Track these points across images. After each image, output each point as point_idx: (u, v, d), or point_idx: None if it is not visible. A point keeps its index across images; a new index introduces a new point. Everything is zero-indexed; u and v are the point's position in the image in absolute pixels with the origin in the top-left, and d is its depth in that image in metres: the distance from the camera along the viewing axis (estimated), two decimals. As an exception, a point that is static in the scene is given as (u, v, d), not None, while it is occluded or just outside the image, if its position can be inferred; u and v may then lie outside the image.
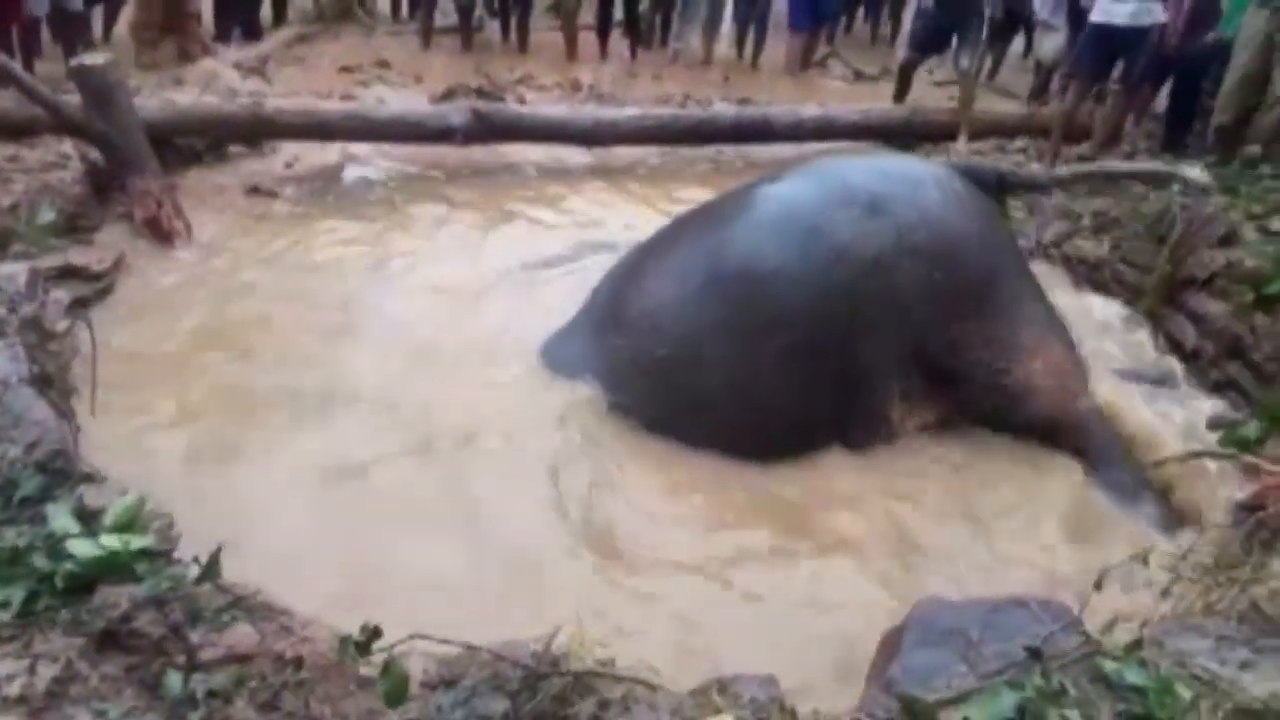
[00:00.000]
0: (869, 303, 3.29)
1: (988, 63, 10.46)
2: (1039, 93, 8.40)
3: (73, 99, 4.81)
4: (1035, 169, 6.21)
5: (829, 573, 2.87)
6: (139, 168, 4.81)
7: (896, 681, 1.84)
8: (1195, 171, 5.02)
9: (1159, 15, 6.02)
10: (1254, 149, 5.64)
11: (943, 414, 3.47)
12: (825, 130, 7.06)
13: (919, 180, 3.55)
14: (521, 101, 7.36)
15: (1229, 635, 2.08)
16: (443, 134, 6.12)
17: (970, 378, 3.41)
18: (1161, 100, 7.16)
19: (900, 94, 7.77)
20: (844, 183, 3.50)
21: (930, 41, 7.59)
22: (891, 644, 1.99)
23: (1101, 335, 4.53)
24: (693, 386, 3.34)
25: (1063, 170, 5.88)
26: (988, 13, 7.21)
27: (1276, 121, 5.66)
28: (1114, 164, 5.83)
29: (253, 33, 9.28)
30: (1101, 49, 6.26)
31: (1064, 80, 7.38)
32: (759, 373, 3.27)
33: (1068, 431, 3.43)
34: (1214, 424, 3.65)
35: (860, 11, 11.98)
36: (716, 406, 3.32)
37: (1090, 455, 3.40)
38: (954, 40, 7.32)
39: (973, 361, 3.39)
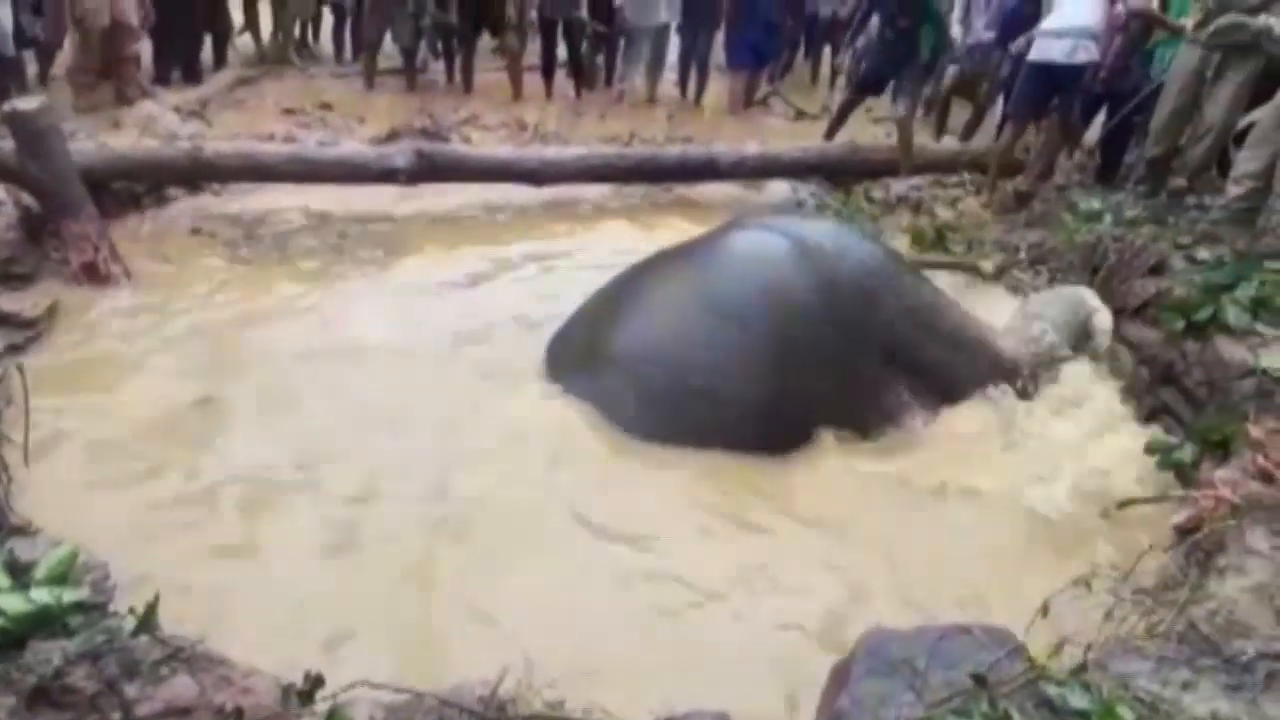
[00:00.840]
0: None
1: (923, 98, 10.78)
2: (972, 128, 8.61)
3: (6, 144, 4.73)
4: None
5: (778, 604, 2.86)
6: (74, 212, 4.73)
7: (846, 712, 1.85)
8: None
9: (1094, 52, 6.23)
10: (1179, 181, 5.83)
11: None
12: (768, 168, 7.17)
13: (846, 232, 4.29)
14: (467, 141, 7.38)
15: (1170, 656, 2.12)
16: (387, 175, 6.10)
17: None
18: (1093, 134, 7.39)
19: (831, 132, 7.91)
20: (802, 232, 3.95)
21: (871, 83, 7.77)
22: (841, 674, 2.00)
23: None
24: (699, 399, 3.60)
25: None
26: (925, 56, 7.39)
27: (1202, 154, 5.86)
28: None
29: (193, 76, 9.20)
30: (1040, 86, 6.45)
31: (1004, 118, 7.56)
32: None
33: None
34: (1150, 448, 3.74)
35: (801, 52, 12.23)
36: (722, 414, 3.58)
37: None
38: (892, 82, 7.53)
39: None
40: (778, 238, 3.88)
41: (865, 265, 3.89)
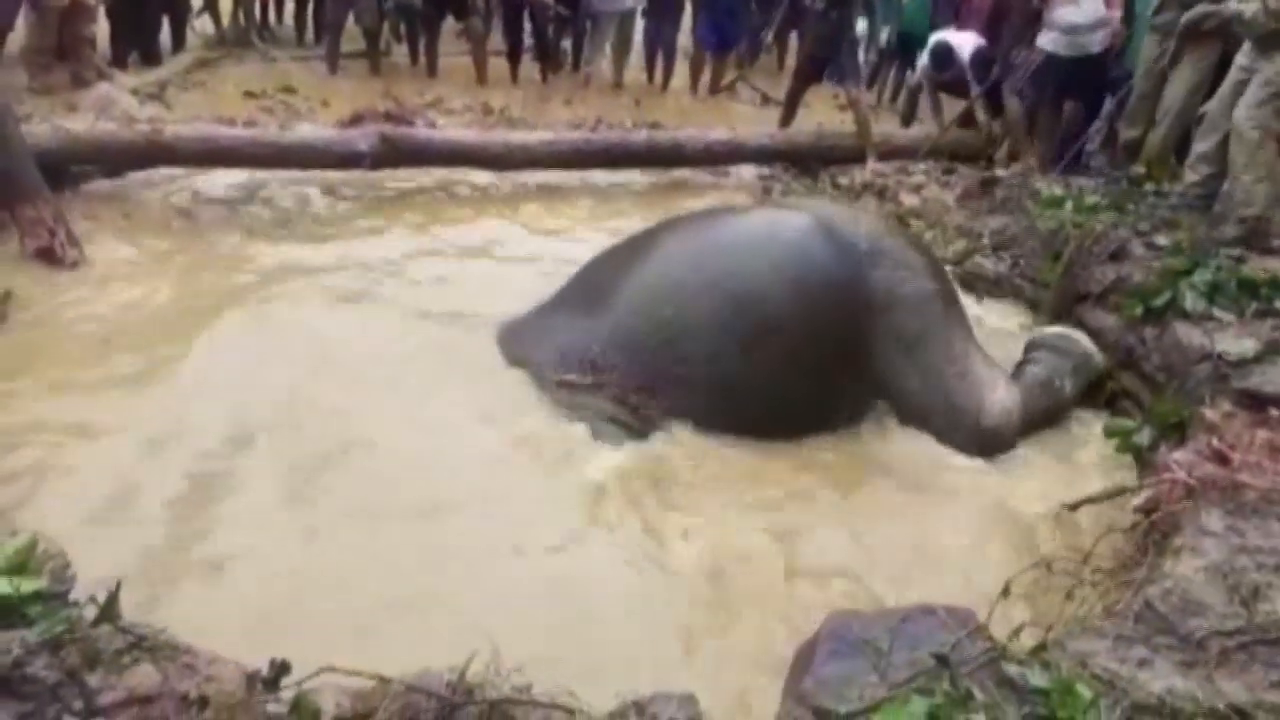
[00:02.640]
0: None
1: (889, 87, 10.83)
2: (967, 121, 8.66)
3: (-43, 126, 4.62)
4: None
5: (742, 588, 2.88)
6: (29, 196, 4.63)
7: (811, 694, 1.87)
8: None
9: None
10: (1138, 169, 5.92)
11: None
12: (734, 154, 7.19)
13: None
14: (432, 125, 7.31)
15: (1126, 635, 2.16)
16: (350, 159, 6.04)
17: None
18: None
19: (785, 120, 7.94)
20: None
21: (807, 71, 7.83)
22: (805, 657, 2.02)
23: (1000, 348, 4.68)
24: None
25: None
26: (866, 38, 7.48)
27: (1160, 141, 5.96)
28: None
29: (151, 58, 9.04)
30: (1062, 77, 6.60)
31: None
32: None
33: None
34: (1109, 432, 3.80)
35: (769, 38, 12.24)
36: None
37: None
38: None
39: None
40: (804, 223, 3.77)
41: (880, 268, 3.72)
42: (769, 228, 3.85)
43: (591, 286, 3.99)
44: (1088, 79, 6.62)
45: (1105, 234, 4.62)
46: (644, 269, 3.84)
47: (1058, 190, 5.75)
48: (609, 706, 1.90)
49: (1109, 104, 6.91)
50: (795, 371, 3.58)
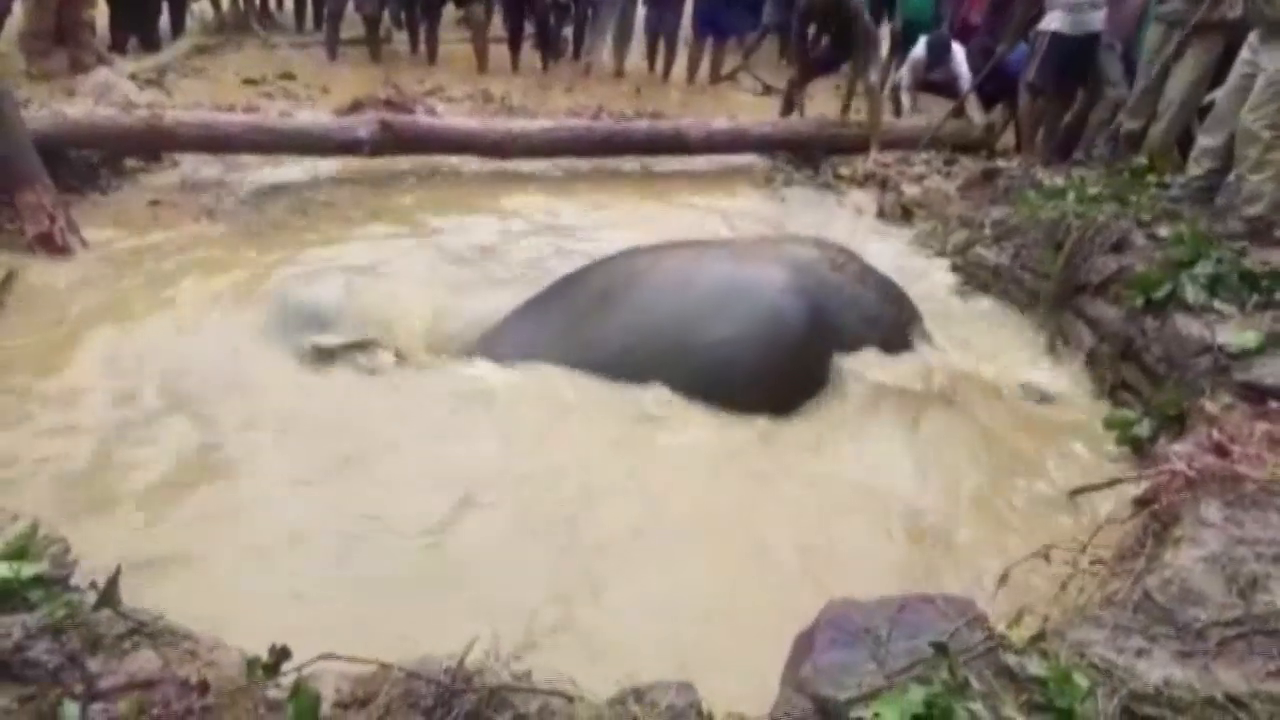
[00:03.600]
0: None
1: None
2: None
3: (-44, 111, 4.61)
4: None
5: (741, 574, 2.89)
6: (29, 182, 4.63)
7: (809, 682, 1.87)
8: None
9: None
10: (1140, 160, 5.90)
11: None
12: (736, 142, 7.17)
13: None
14: (431, 113, 7.30)
15: (1125, 625, 2.16)
16: (350, 146, 6.04)
17: None
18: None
19: (786, 110, 7.91)
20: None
21: (817, 66, 7.78)
22: (803, 645, 2.02)
23: (999, 340, 4.69)
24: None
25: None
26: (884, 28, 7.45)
27: (1163, 132, 5.94)
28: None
29: (150, 43, 9.01)
30: (1064, 58, 6.58)
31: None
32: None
33: None
34: (1110, 423, 3.80)
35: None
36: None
37: None
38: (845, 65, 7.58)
39: None
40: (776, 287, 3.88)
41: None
42: (741, 290, 3.89)
43: (567, 310, 4.04)
44: (1092, 57, 6.60)
45: (1107, 225, 4.60)
46: (620, 309, 3.92)
47: (1059, 181, 5.73)
48: (608, 694, 1.91)
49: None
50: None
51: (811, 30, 7.45)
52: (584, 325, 3.91)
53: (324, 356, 3.80)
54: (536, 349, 3.86)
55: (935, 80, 7.98)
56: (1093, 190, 5.31)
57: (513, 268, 4.97)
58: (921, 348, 4.16)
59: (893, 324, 4.09)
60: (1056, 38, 6.54)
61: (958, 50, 7.70)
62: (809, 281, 3.90)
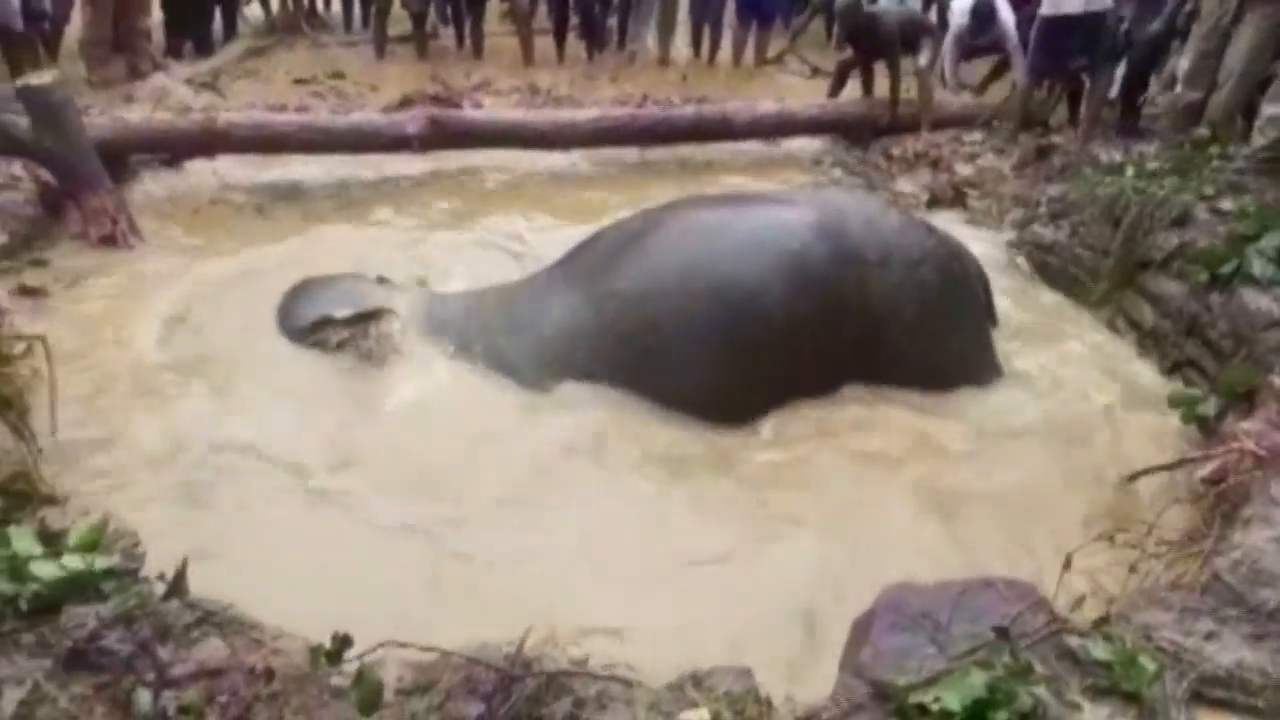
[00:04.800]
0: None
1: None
2: (993, 77, 8.46)
3: (21, 120, 4.74)
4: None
5: (799, 562, 2.88)
6: (92, 186, 4.76)
7: (868, 666, 1.86)
8: None
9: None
10: (1202, 131, 5.74)
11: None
12: (784, 126, 7.12)
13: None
14: (478, 107, 7.34)
15: (1193, 607, 2.12)
16: (399, 143, 6.10)
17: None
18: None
19: (834, 91, 7.81)
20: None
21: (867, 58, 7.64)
22: (862, 630, 2.01)
23: (1059, 320, 4.61)
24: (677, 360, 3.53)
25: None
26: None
27: (1225, 102, 5.77)
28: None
29: (204, 47, 9.18)
30: (1055, 41, 6.36)
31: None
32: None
33: None
34: (1174, 401, 3.71)
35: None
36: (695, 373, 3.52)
37: None
38: None
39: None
40: (800, 216, 3.70)
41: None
42: (769, 233, 3.65)
43: (584, 268, 3.85)
44: (1097, 35, 6.35)
45: (1167, 199, 4.49)
46: (640, 260, 3.70)
47: (1117, 155, 5.60)
48: (666, 679, 1.91)
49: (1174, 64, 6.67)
50: (785, 368, 3.55)
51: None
52: (595, 282, 3.72)
53: (336, 330, 3.83)
54: (549, 313, 3.73)
55: (982, 45, 7.81)
56: (1152, 165, 5.18)
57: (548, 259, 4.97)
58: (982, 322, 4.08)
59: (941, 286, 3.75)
60: (1053, 21, 6.30)
61: (1003, 8, 7.46)
62: (835, 230, 3.63)
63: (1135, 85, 6.75)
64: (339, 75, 8.83)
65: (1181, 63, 6.17)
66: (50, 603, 1.89)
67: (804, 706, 1.82)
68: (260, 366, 3.80)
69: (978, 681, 1.73)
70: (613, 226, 4.04)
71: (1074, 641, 1.92)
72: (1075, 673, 1.85)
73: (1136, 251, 4.45)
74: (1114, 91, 6.76)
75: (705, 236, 3.69)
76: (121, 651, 1.80)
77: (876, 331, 3.62)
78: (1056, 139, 6.58)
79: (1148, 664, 1.85)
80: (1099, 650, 1.88)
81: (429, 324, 3.88)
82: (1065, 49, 6.43)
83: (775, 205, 3.88)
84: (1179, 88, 6.18)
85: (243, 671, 1.80)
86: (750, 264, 3.52)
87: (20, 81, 4.72)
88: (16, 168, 4.90)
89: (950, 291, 3.80)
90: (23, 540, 2.07)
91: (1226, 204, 4.46)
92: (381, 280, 4.16)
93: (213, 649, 1.86)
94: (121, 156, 5.48)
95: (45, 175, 4.88)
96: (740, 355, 3.49)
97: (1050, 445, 3.55)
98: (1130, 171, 5.09)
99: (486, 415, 3.53)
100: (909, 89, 7.47)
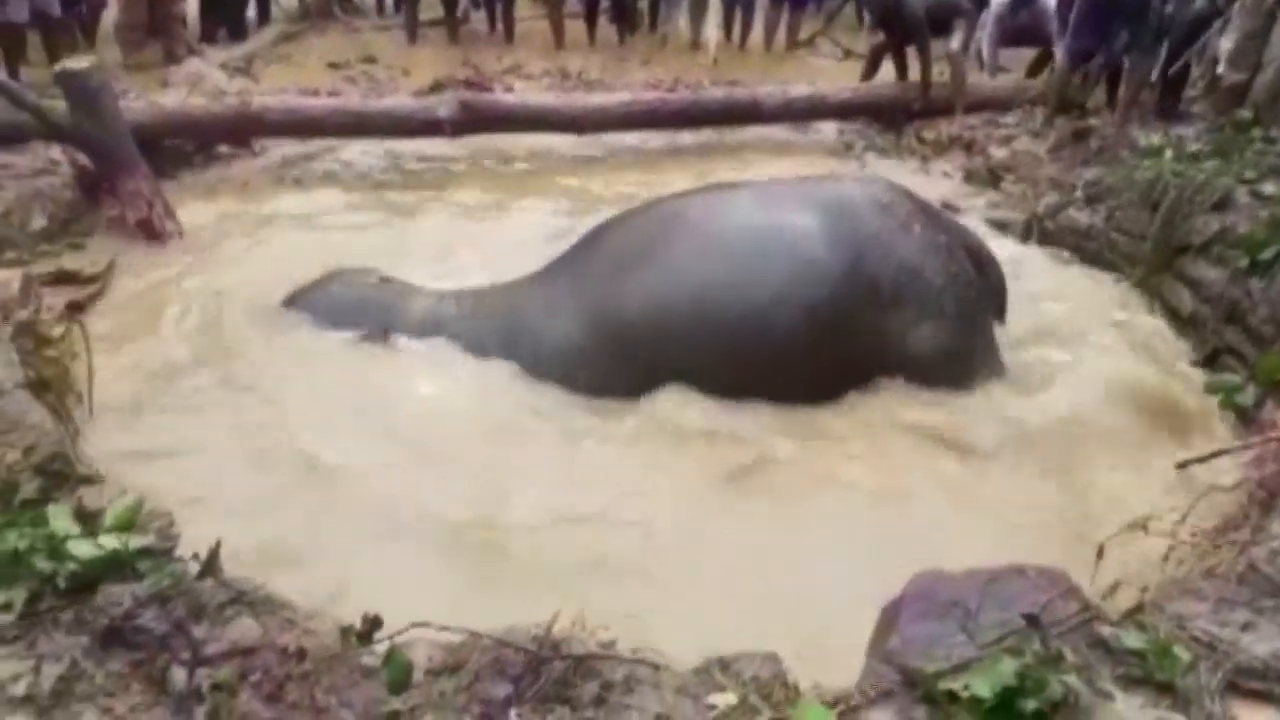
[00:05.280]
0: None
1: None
2: (1038, 67, 8.33)
3: (59, 104, 4.80)
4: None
5: (825, 547, 2.87)
6: (128, 170, 4.81)
7: (897, 653, 1.85)
8: None
9: None
10: (1244, 113, 5.63)
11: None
12: (815, 109, 7.07)
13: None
14: (510, 91, 7.35)
15: (1229, 597, 2.08)
16: (431, 126, 6.12)
17: None
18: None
19: (868, 75, 7.73)
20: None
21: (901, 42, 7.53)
22: (890, 616, 2.00)
23: (1095, 305, 4.54)
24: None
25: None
26: None
27: (1270, 84, 5.65)
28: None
29: (238, 32, 9.25)
30: (1095, 22, 6.26)
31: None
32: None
33: None
34: (1212, 388, 3.66)
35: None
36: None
37: None
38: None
39: None
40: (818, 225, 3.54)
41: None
42: (781, 245, 3.51)
43: (587, 277, 3.72)
44: (1139, 16, 6.20)
45: (1208, 183, 4.41)
46: (647, 277, 3.57)
47: (1156, 138, 5.50)
48: (693, 664, 1.91)
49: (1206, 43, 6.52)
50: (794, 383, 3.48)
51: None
52: (607, 285, 3.62)
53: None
54: (548, 329, 3.64)
55: (1023, 25, 7.68)
56: (1192, 148, 5.09)
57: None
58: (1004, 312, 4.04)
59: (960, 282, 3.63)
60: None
61: None
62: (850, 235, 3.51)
63: (1176, 67, 6.62)
64: (371, 60, 8.88)
65: (1224, 43, 6.03)
66: (87, 581, 1.92)
67: (831, 692, 1.82)
68: (288, 354, 3.83)
69: (1008, 669, 1.72)
70: (618, 225, 3.89)
71: (1106, 630, 1.89)
72: (1107, 662, 1.83)
73: (1175, 236, 4.38)
74: (1154, 74, 6.63)
75: (714, 253, 3.54)
76: (156, 630, 1.83)
77: (889, 337, 3.51)
78: (1094, 122, 6.47)
79: (1182, 654, 1.82)
80: (1132, 639, 1.86)
81: (434, 326, 3.86)
82: (1106, 30, 6.31)
83: (786, 208, 3.67)
84: (1221, 68, 6.06)
85: (275, 651, 1.82)
86: (761, 286, 3.41)
87: (58, 66, 4.78)
88: (55, 152, 4.97)
89: (965, 287, 3.66)
90: (60, 519, 2.10)
91: (1269, 188, 4.38)
92: (385, 280, 4.13)
93: (245, 628, 1.88)
94: (157, 141, 5.53)
95: (83, 159, 4.93)
96: (749, 376, 3.45)
97: (1081, 433, 3.50)
98: (1169, 154, 5.01)
99: (499, 413, 3.54)
100: (942, 72, 7.38)
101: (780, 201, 3.70)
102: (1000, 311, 4.09)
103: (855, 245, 3.48)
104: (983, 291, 3.84)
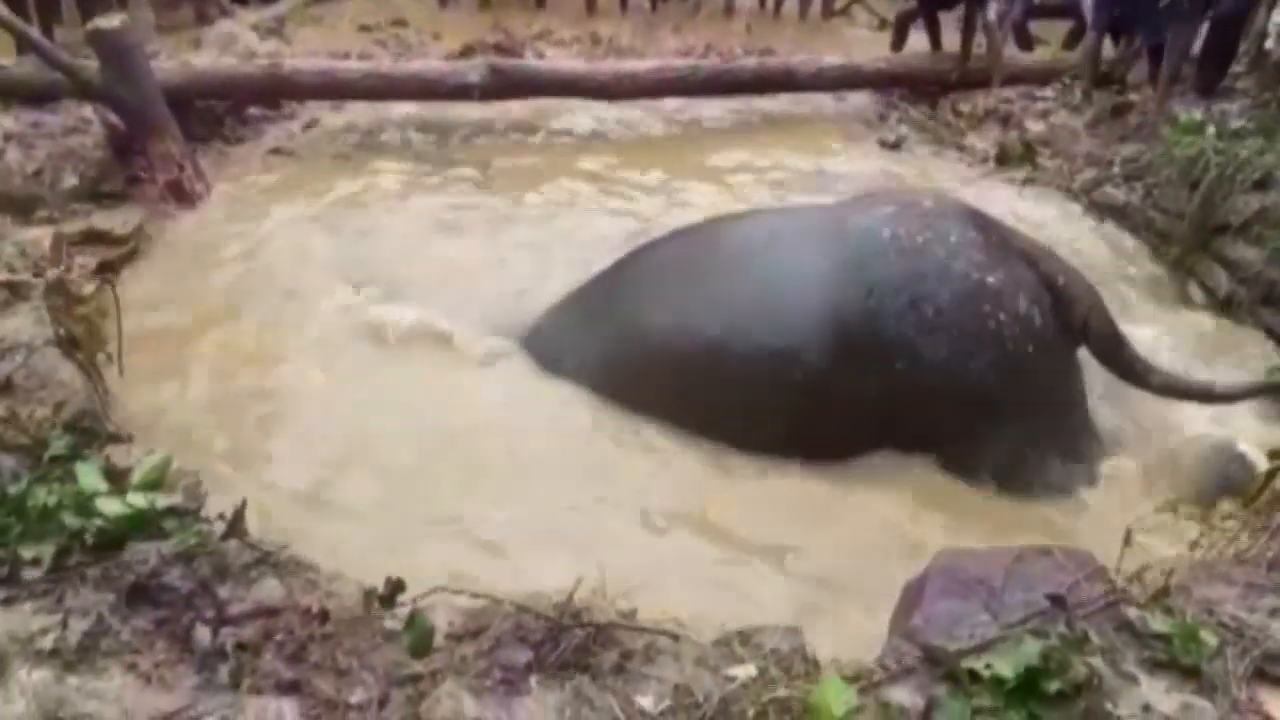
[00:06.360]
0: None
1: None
2: (1074, 39, 8.16)
3: (91, 64, 4.81)
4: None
5: (849, 522, 2.86)
6: (159, 131, 4.82)
7: (919, 631, 1.84)
8: None
9: None
10: (1291, 90, 5.49)
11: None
12: (848, 79, 6.96)
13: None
14: (540, 56, 7.29)
15: (1258, 583, 2.06)
16: (461, 91, 6.08)
17: None
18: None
19: (897, 44, 7.58)
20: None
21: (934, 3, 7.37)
22: (913, 594, 1.99)
23: (1130, 284, 4.47)
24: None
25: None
26: None
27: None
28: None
29: (270, -7, 9.21)
30: None
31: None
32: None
33: None
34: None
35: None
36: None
37: None
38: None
39: None
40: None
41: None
42: (805, 300, 3.16)
43: (632, 289, 3.59)
44: None
45: (1250, 161, 4.31)
46: (696, 284, 3.39)
47: (1198, 115, 5.38)
48: (713, 636, 1.91)
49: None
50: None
51: None
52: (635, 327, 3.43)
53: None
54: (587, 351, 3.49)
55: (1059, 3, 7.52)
56: (1235, 124, 4.97)
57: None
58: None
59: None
60: None
61: None
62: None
63: (1221, 42, 6.45)
64: (402, 23, 8.82)
65: (1275, 17, 5.88)
66: (115, 538, 1.95)
67: (852, 667, 1.81)
68: (319, 319, 3.85)
69: (1031, 650, 1.70)
70: (652, 255, 3.72)
71: (1132, 613, 1.87)
72: (1133, 645, 1.81)
73: (1214, 215, 4.29)
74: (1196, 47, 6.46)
75: (742, 300, 3.25)
76: (182, 588, 1.85)
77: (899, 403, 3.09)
78: (1134, 97, 6.33)
79: (1209, 639, 1.80)
80: (1158, 623, 1.84)
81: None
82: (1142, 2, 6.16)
83: (804, 250, 3.31)
84: (1269, 43, 5.90)
85: (298, 612, 1.84)
86: (784, 341, 3.10)
87: (90, 25, 4.78)
88: (86, 111, 4.98)
89: (1016, 343, 3.05)
90: (89, 476, 2.12)
91: (1315, 166, 4.28)
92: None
93: (270, 589, 1.90)
94: (188, 101, 5.53)
95: (114, 119, 4.95)
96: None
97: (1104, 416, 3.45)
98: (1211, 131, 4.89)
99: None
100: (979, 44, 7.23)
101: (802, 243, 3.35)
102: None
103: (860, 304, 3.08)
104: (1051, 350, 3.17)
